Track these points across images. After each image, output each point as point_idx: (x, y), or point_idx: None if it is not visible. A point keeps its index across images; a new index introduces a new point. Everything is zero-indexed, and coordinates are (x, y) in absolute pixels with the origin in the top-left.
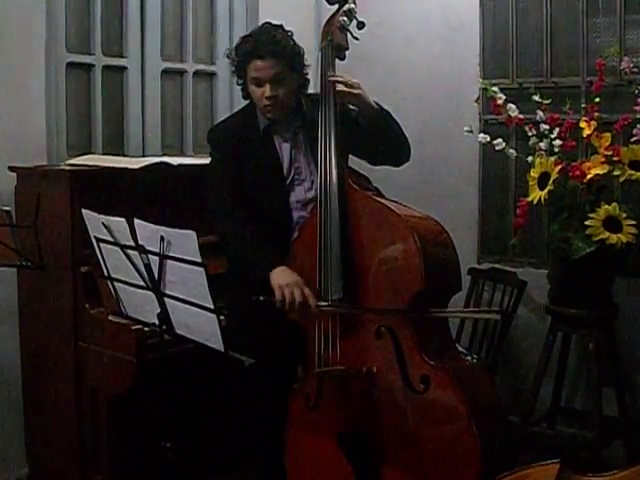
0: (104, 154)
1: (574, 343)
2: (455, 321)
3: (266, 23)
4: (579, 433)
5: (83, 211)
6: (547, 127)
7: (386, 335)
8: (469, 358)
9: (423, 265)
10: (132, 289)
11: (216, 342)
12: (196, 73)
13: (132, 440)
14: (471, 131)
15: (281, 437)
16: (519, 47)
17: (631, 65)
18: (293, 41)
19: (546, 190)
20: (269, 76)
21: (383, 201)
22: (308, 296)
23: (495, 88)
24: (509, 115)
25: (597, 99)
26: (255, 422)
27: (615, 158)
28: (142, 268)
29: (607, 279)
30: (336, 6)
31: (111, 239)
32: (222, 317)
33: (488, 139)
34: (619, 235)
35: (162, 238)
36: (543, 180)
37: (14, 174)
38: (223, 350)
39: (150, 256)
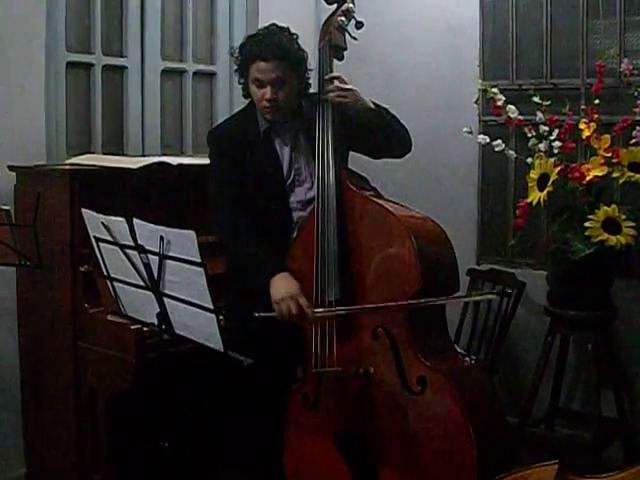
0: (104, 153)
1: (573, 344)
2: (454, 322)
3: (273, 25)
4: (578, 434)
5: (83, 211)
6: (547, 128)
7: (383, 336)
8: (467, 359)
9: (420, 265)
10: (131, 289)
11: (215, 342)
12: (196, 73)
13: (131, 440)
14: (470, 132)
15: (280, 437)
16: (519, 48)
17: (631, 67)
18: (298, 45)
19: (545, 191)
20: (271, 78)
21: (381, 202)
22: (304, 306)
23: (495, 89)
24: (509, 116)
25: (597, 101)
26: (254, 422)
27: (614, 160)
28: (141, 268)
29: (606, 280)
30: (334, 6)
31: (110, 239)
32: (221, 317)
33: (487, 140)
34: (618, 237)
35: (162, 238)
36: (542, 181)
37: (14, 173)
38: (222, 350)
39: (149, 256)
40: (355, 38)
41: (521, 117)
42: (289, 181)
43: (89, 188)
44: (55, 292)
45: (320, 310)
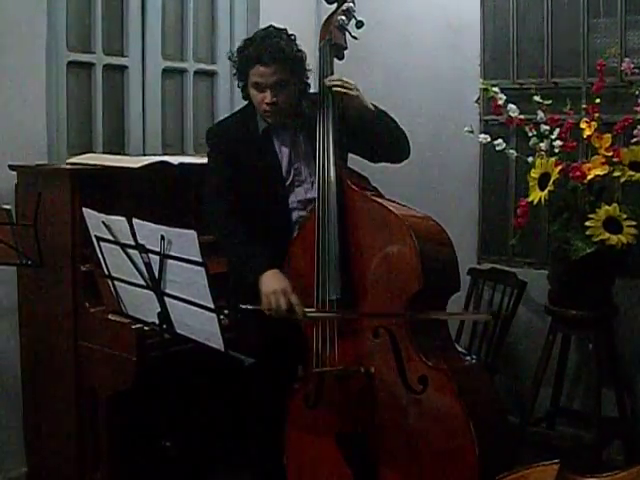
0: (104, 153)
1: (574, 344)
2: (455, 321)
3: (270, 27)
4: (578, 434)
5: (84, 210)
6: (547, 128)
7: (384, 335)
8: (468, 358)
9: (421, 265)
10: (132, 288)
11: (216, 341)
12: (197, 72)
13: (132, 439)
14: (471, 131)
15: (281, 436)
16: (520, 48)
17: (632, 66)
18: (296, 46)
19: (546, 191)
20: (271, 82)
21: (381, 201)
22: (294, 304)
23: (496, 88)
24: (509, 116)
25: (597, 100)
26: (255, 421)
27: (615, 159)
28: (142, 267)
29: (607, 280)
30: (335, 5)
31: (111, 238)
32: (222, 317)
33: (488, 139)
34: (619, 236)
35: (162, 237)
36: (543, 181)
37: (14, 173)
38: (223, 349)
39: (150, 255)
40: (355, 37)
41: (522, 116)
42: (289, 181)
43: (90, 187)
44: (56, 291)
45: (310, 310)
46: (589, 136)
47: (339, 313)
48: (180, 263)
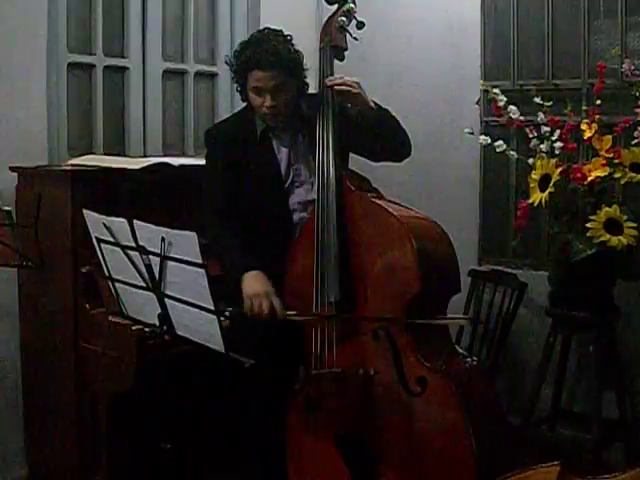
0: (105, 154)
1: (574, 345)
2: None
3: (266, 29)
4: (579, 435)
5: (84, 211)
6: (548, 129)
7: (383, 337)
8: (469, 360)
9: (420, 267)
10: (133, 289)
11: (216, 343)
12: (197, 73)
13: (132, 440)
14: (472, 133)
15: (281, 438)
16: (520, 49)
17: (632, 67)
18: (293, 46)
19: (547, 192)
20: (269, 86)
21: (381, 202)
22: (276, 307)
23: (496, 90)
24: (510, 117)
25: (598, 101)
26: (255, 423)
27: (616, 160)
28: (143, 269)
29: (608, 281)
30: (335, 6)
31: (112, 239)
32: (223, 318)
33: (489, 141)
34: (620, 237)
35: (163, 239)
36: (544, 182)
37: (15, 174)
38: (223, 351)
39: (151, 257)
40: (356, 38)
41: (522, 118)
42: (288, 182)
43: (90, 189)
44: (56, 293)
45: (292, 313)
46: (590, 137)
47: (322, 315)
48: (180, 265)
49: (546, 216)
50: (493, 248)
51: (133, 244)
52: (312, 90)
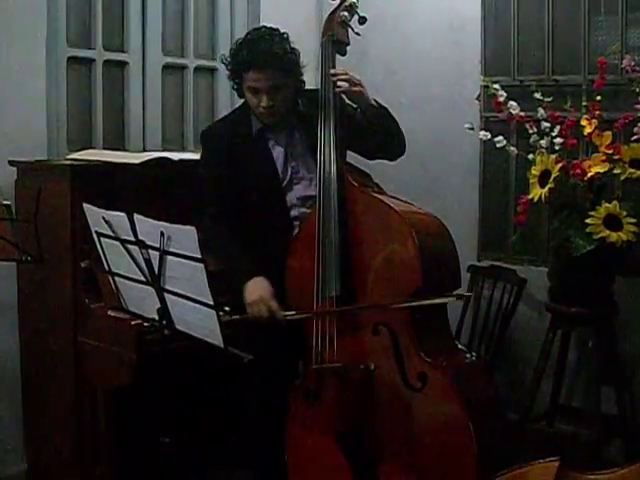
0: (104, 149)
1: (574, 341)
2: (455, 318)
3: (263, 28)
4: (578, 431)
5: (84, 205)
6: (548, 125)
7: (384, 332)
8: (468, 356)
9: (421, 262)
10: (132, 284)
11: (216, 338)
12: (197, 68)
13: (131, 435)
14: (472, 128)
15: (281, 433)
16: (520, 44)
17: (632, 63)
18: (290, 45)
19: (547, 188)
20: (266, 87)
21: (382, 197)
22: (274, 311)
23: (496, 85)
24: (510, 112)
25: (598, 97)
26: (255, 418)
27: (616, 156)
28: (142, 263)
29: (607, 277)
30: (337, 1)
31: (112, 234)
32: (222, 313)
33: (489, 136)
34: (619, 233)
35: (162, 233)
36: (544, 178)
37: (14, 168)
38: (223, 346)
39: (150, 251)
40: (358, 34)
41: (522, 113)
42: (286, 180)
43: (90, 183)
44: (56, 287)
45: (289, 313)
46: (589, 133)
47: (318, 312)
48: (179, 259)
49: (546, 212)
50: (493, 244)
51: (133, 238)
52: (312, 85)
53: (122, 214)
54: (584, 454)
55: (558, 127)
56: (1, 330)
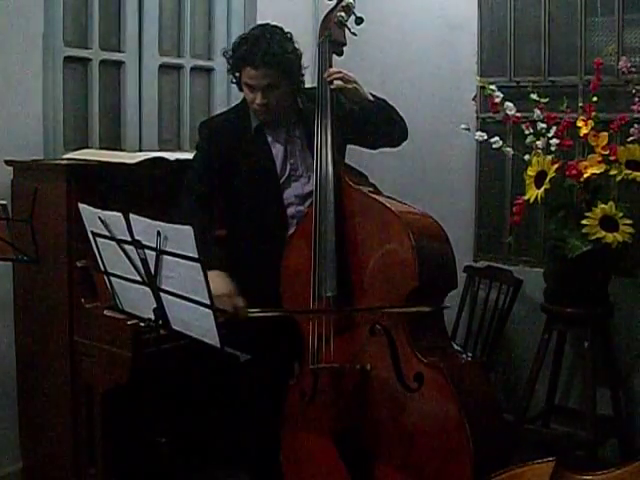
0: (101, 148)
1: (569, 342)
2: (451, 318)
3: (267, 25)
4: (574, 432)
5: (80, 205)
6: (544, 126)
7: (380, 333)
8: (464, 356)
9: (417, 262)
10: (128, 284)
11: (212, 338)
12: (193, 68)
13: (127, 435)
14: (468, 129)
15: (277, 433)
16: (517, 45)
17: (629, 64)
18: (292, 44)
19: (543, 189)
20: (261, 85)
21: (379, 198)
22: (238, 307)
23: (492, 86)
24: (506, 113)
25: (594, 98)
26: (251, 418)
27: (612, 157)
28: (138, 263)
29: (603, 278)
30: (334, 1)
31: (108, 234)
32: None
33: (485, 137)
34: (615, 234)
35: (158, 233)
36: (540, 179)
37: (10, 168)
38: (219, 346)
39: (146, 251)
40: (355, 34)
41: (519, 114)
42: (284, 177)
43: (86, 183)
44: (52, 287)
45: (254, 310)
46: (586, 134)
47: (281, 310)
48: (176, 259)
49: (542, 213)
50: (489, 244)
51: (129, 238)
52: (310, 83)
53: (118, 214)
54: (580, 454)
55: (554, 128)
56: None
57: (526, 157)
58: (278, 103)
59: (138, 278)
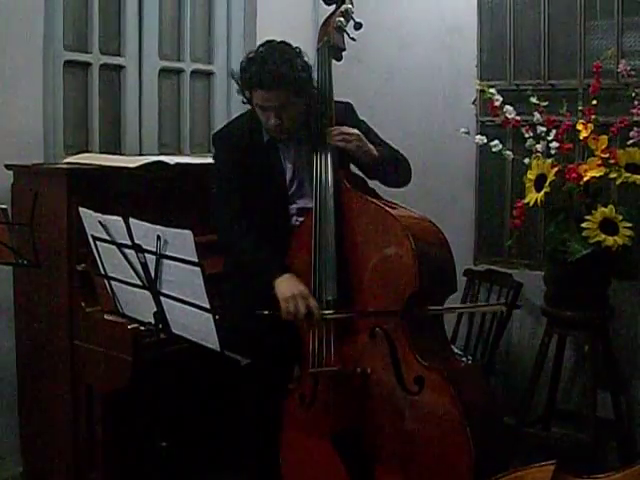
0: (101, 152)
1: (569, 345)
2: (451, 322)
3: (273, 43)
4: (574, 435)
5: (80, 209)
6: (544, 129)
7: (380, 336)
8: (464, 359)
9: (417, 266)
10: (129, 288)
11: (212, 342)
12: (193, 72)
13: (127, 439)
14: (468, 132)
15: (277, 437)
16: (516, 49)
17: (628, 68)
18: (302, 60)
19: (543, 192)
20: (273, 106)
21: (378, 202)
22: (313, 307)
23: (492, 90)
24: (506, 117)
25: (594, 101)
26: (251, 422)
27: (612, 161)
28: (139, 267)
29: (603, 281)
30: (333, 7)
31: (108, 238)
32: (217, 316)
33: (485, 141)
34: (615, 237)
35: (159, 237)
36: (540, 182)
37: (11, 172)
38: (219, 350)
39: (147, 255)
40: (354, 39)
41: (518, 118)
42: (291, 191)
43: (86, 187)
44: (52, 291)
45: (328, 312)
46: (585, 138)
47: (351, 312)
48: (176, 263)
49: (542, 216)
50: (489, 248)
51: (129, 242)
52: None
53: (118, 218)
54: (580, 458)
55: (554, 131)
56: None
57: (526, 160)
58: (291, 122)
59: (138, 282)
